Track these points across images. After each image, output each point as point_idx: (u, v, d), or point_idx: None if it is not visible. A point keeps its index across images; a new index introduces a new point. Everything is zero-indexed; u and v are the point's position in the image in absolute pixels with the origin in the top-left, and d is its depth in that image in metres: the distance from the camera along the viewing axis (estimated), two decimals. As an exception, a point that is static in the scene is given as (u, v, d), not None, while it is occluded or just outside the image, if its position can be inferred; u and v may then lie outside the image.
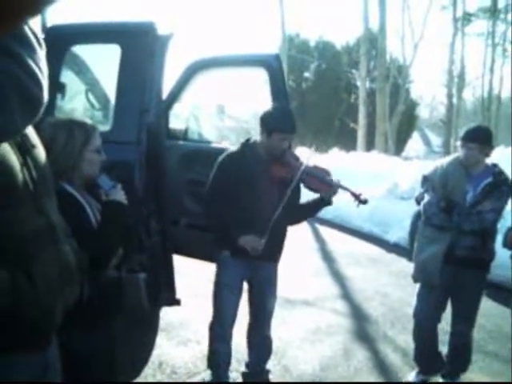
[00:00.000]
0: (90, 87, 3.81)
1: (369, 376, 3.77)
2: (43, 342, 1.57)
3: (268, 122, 3.02)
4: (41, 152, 1.55)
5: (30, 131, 1.52)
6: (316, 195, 3.17)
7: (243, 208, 2.99)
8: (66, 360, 1.83)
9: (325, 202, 3.12)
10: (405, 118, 24.83)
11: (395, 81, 23.84)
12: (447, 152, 23.92)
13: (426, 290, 3.46)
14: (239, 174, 3.00)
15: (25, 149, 1.44)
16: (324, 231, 9.24)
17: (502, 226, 3.23)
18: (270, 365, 3.48)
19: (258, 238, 2.93)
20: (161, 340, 4.11)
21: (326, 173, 3.15)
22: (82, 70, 3.78)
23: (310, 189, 3.13)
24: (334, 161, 13.03)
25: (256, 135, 3.17)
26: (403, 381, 3.66)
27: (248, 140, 3.16)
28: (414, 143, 35.54)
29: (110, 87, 3.41)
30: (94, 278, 1.87)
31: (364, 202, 3.07)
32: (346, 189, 3.08)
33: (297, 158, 3.14)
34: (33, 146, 1.50)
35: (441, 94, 33.32)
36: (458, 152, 3.38)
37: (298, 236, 6.83)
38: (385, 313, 5.10)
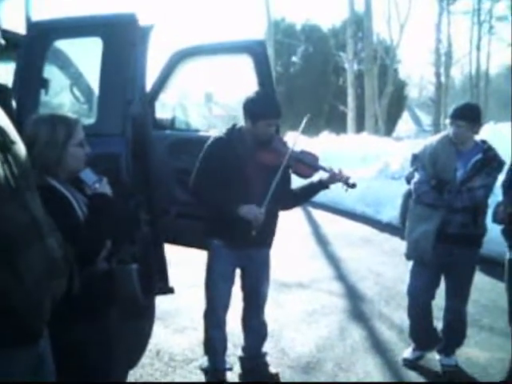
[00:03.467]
0: (74, 81, 3.80)
1: (365, 354, 3.81)
2: (33, 336, 1.57)
3: (251, 109, 2.98)
4: (21, 148, 1.55)
5: (10, 128, 1.52)
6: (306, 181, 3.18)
7: (231, 195, 2.99)
8: (61, 353, 1.85)
9: (323, 185, 3.12)
10: (394, 98, 24.81)
11: (383, 62, 23.78)
12: (437, 130, 23.93)
13: (419, 267, 3.49)
14: (227, 160, 2.98)
15: (5, 146, 1.44)
16: (317, 214, 9.28)
17: (493, 202, 3.25)
18: (267, 348, 3.52)
19: (257, 207, 2.90)
20: (157, 329, 4.13)
21: (314, 158, 3.15)
22: (65, 64, 3.76)
23: (298, 174, 3.12)
24: (325, 144, 13.05)
25: (242, 123, 3.16)
26: (399, 358, 3.70)
27: (234, 126, 3.15)
28: (405, 123, 35.53)
29: (94, 80, 3.40)
30: (83, 271, 1.87)
31: (352, 186, 3.06)
32: (338, 176, 3.07)
33: (284, 144, 3.13)
34: (12, 143, 1.50)
35: (429, 73, 33.27)
36: (448, 130, 3.39)
37: (292, 220, 6.86)
38: (379, 291, 5.14)
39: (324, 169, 3.10)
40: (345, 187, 3.06)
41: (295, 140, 3.09)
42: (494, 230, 3.30)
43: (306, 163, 3.09)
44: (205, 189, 3.03)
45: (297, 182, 3.25)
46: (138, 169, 3.00)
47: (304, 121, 3.13)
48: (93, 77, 3.43)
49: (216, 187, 2.99)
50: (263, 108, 2.97)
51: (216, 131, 3.78)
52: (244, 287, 3.32)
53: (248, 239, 2.96)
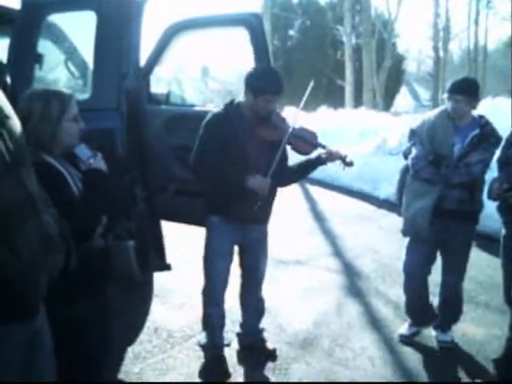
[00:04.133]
0: (68, 56, 3.74)
1: (361, 330, 3.83)
2: (30, 312, 1.58)
3: (252, 84, 2.93)
4: (16, 123, 1.54)
5: (4, 103, 1.50)
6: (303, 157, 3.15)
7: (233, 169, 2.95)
8: (59, 330, 1.84)
9: (320, 162, 3.09)
10: (392, 72, 24.60)
11: (381, 36, 23.51)
12: (436, 105, 23.78)
13: (415, 243, 3.49)
14: (225, 135, 2.94)
15: None
16: (314, 190, 9.26)
17: (490, 178, 3.23)
18: (265, 324, 3.53)
19: (264, 178, 2.89)
20: (155, 306, 4.14)
21: (313, 135, 3.12)
22: (59, 38, 3.70)
23: (297, 151, 3.10)
24: (322, 119, 12.98)
25: (240, 97, 3.11)
26: (396, 334, 3.72)
27: (232, 101, 3.10)
28: (403, 98, 35.32)
29: (89, 55, 3.35)
30: (80, 247, 1.86)
31: (350, 164, 3.03)
32: (335, 154, 3.04)
33: (283, 120, 3.10)
34: (7, 117, 1.50)
35: (427, 48, 32.99)
36: (446, 105, 3.36)
37: (289, 196, 6.85)
38: (376, 268, 5.16)
39: (323, 146, 3.08)
40: (342, 165, 3.04)
41: (296, 117, 3.06)
42: (490, 206, 3.29)
43: (306, 140, 3.07)
44: (207, 164, 2.97)
45: (292, 159, 3.22)
46: (132, 144, 2.97)
47: (304, 97, 3.10)
48: (87, 51, 3.39)
49: (218, 162, 2.95)
50: (265, 83, 2.91)
51: (212, 106, 3.74)
52: (242, 264, 3.32)
53: (248, 214, 2.95)
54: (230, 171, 2.94)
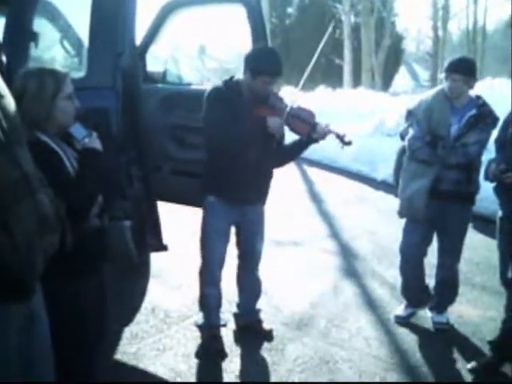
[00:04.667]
0: (64, 34, 3.70)
1: (357, 311, 3.85)
2: (26, 292, 1.58)
3: (252, 64, 2.90)
4: (10, 102, 1.53)
5: None
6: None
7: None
8: (56, 310, 1.84)
9: (311, 140, 3.06)
10: (391, 52, 24.42)
11: (380, 14, 23.29)
12: (435, 85, 23.55)
13: (411, 224, 3.48)
14: (225, 109, 2.89)
15: None
16: (312, 172, 9.24)
17: (487, 159, 3.21)
18: (261, 304, 3.54)
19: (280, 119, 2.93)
20: (152, 286, 4.16)
21: (311, 114, 3.08)
22: (55, 17, 3.66)
23: (295, 131, 3.07)
24: (320, 99, 12.90)
25: (238, 75, 3.08)
26: (391, 315, 3.73)
27: (231, 78, 3.06)
28: (402, 78, 35.11)
29: (84, 33, 3.30)
30: (75, 226, 1.85)
31: (348, 143, 3.00)
32: (330, 131, 3.01)
33: (281, 100, 3.07)
34: (1, 96, 1.49)
35: (426, 27, 32.73)
36: (443, 84, 3.33)
37: (287, 178, 6.83)
38: (373, 249, 5.16)
39: (325, 128, 3.03)
40: (341, 144, 3.02)
41: (294, 98, 3.03)
42: (487, 188, 3.27)
43: (304, 120, 3.03)
44: (220, 119, 2.88)
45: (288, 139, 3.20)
46: (128, 123, 2.94)
47: (303, 77, 3.07)
48: (83, 29, 3.34)
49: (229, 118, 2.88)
50: (264, 64, 2.89)
51: (209, 84, 3.70)
52: (239, 244, 3.31)
53: (246, 195, 2.96)
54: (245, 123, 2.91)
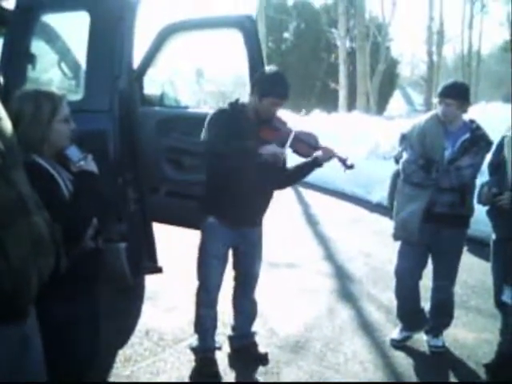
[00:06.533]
0: (61, 56, 3.74)
1: (353, 334, 3.83)
2: (19, 315, 1.56)
3: (261, 85, 2.94)
4: (7, 124, 1.54)
5: None
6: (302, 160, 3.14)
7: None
8: (48, 332, 1.83)
9: (316, 163, 3.08)
10: (386, 76, 24.66)
11: (375, 39, 23.57)
12: (429, 110, 23.72)
13: (406, 247, 3.49)
14: (230, 132, 2.90)
15: None
16: (307, 194, 9.26)
17: (480, 182, 3.24)
18: (256, 327, 3.51)
19: (278, 147, 2.86)
20: (147, 308, 4.14)
21: (314, 138, 3.11)
22: (52, 39, 3.69)
23: (299, 154, 3.09)
24: (316, 123, 12.96)
25: (236, 98, 3.11)
26: (387, 338, 3.72)
27: (237, 100, 3.09)
28: (396, 102, 35.43)
29: (82, 55, 3.34)
30: (70, 249, 1.85)
31: (351, 167, 3.02)
32: (334, 155, 3.04)
33: (284, 123, 3.10)
34: None
35: (421, 52, 33.17)
36: (437, 109, 3.37)
37: (282, 199, 6.84)
38: (368, 272, 5.16)
39: (327, 151, 3.05)
40: (343, 168, 3.04)
41: (298, 121, 3.07)
42: (481, 211, 3.29)
43: (308, 143, 3.06)
44: (221, 141, 2.87)
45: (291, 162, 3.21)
46: (124, 146, 2.96)
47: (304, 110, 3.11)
48: (80, 52, 3.38)
49: (231, 139, 2.86)
50: (274, 86, 2.92)
51: (207, 108, 3.73)
52: (236, 266, 3.30)
53: (246, 217, 2.97)
54: (245, 142, 2.89)
